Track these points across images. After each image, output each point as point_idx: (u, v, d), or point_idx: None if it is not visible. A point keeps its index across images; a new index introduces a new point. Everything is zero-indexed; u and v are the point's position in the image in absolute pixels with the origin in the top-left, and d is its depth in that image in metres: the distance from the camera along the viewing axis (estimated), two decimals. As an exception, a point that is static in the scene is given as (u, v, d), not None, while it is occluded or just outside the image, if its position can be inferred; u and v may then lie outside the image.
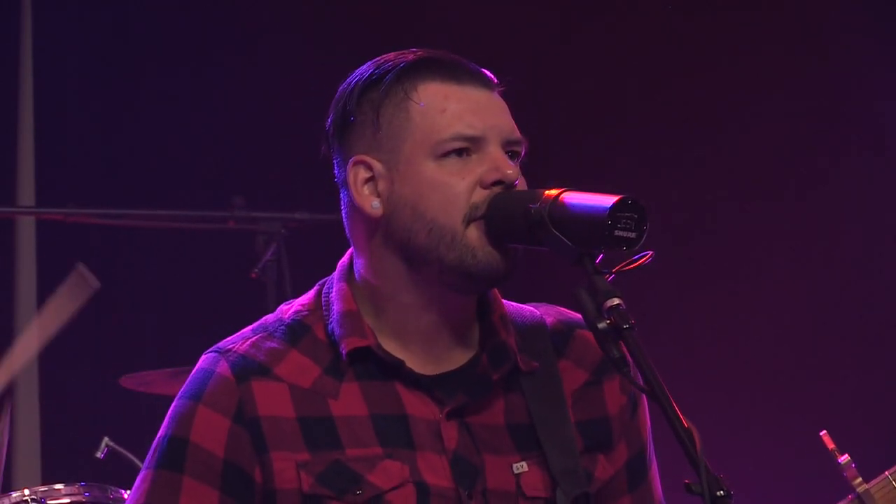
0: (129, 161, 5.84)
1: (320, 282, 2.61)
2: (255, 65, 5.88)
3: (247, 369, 2.50)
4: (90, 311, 5.80)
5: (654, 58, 5.68)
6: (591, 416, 2.58)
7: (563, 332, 2.61)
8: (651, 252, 2.33)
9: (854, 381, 5.41)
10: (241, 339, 2.55)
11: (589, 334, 2.38)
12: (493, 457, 2.51)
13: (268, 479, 2.47)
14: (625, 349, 2.29)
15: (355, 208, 2.51)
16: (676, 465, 2.53)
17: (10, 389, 4.60)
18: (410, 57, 2.51)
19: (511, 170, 2.46)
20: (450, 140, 2.45)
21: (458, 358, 2.54)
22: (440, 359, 2.53)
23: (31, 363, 4.83)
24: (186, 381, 2.54)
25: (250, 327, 2.58)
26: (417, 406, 2.50)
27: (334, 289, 2.55)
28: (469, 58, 2.54)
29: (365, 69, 2.53)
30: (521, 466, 2.51)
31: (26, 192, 5.79)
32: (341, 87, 2.54)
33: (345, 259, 2.59)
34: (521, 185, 2.48)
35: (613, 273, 2.33)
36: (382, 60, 2.52)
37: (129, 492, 4.12)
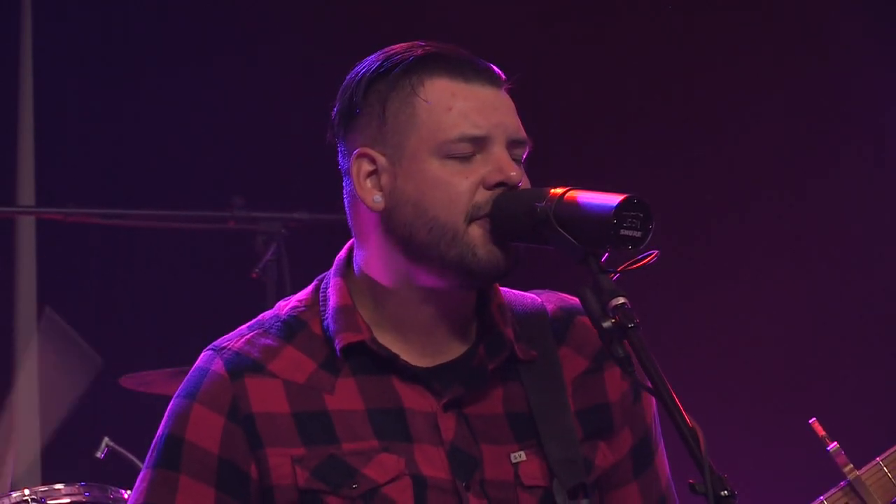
0: (129, 161, 5.84)
1: (319, 277, 2.61)
2: (255, 65, 5.88)
3: (241, 366, 2.50)
4: (90, 311, 5.82)
5: (654, 58, 5.68)
6: (591, 404, 2.58)
7: (564, 320, 2.60)
8: (656, 251, 2.33)
9: (854, 380, 5.41)
10: (236, 337, 2.56)
11: (589, 320, 2.37)
12: (491, 447, 2.51)
13: (264, 474, 2.47)
14: (629, 348, 2.29)
15: (358, 199, 2.51)
16: (681, 464, 2.53)
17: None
18: (419, 51, 2.50)
19: (515, 171, 2.46)
20: (455, 141, 2.45)
21: (456, 349, 2.54)
22: (439, 351, 2.53)
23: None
24: (184, 380, 2.55)
25: (247, 324, 2.59)
26: (414, 399, 2.50)
27: (330, 284, 2.56)
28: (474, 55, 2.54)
29: (372, 60, 2.52)
30: (520, 456, 2.51)
31: (26, 192, 5.79)
32: (348, 77, 2.53)
33: (342, 253, 2.59)
34: (525, 186, 2.48)
35: (618, 272, 2.34)
36: (392, 52, 2.52)
37: (129, 492, 4.14)
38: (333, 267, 2.58)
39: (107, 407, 5.55)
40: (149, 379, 4.79)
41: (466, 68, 2.49)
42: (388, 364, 2.50)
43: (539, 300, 2.63)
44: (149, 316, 5.84)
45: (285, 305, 2.59)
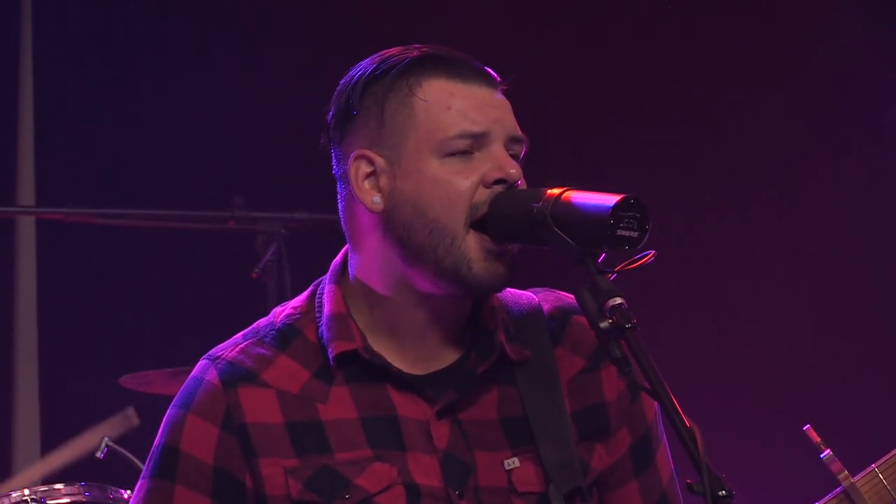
0: (130, 161, 5.84)
1: (315, 282, 2.61)
2: (255, 65, 5.88)
3: (234, 376, 2.51)
4: (90, 310, 5.82)
5: (654, 58, 5.68)
6: (587, 404, 2.57)
7: (560, 319, 2.60)
8: (653, 251, 2.33)
9: (854, 380, 5.41)
10: (231, 346, 2.56)
11: (586, 320, 2.37)
12: (485, 453, 2.51)
13: (258, 484, 2.48)
14: (626, 348, 2.29)
15: (354, 202, 2.51)
16: (679, 464, 2.53)
17: None
18: (415, 53, 2.50)
19: (514, 169, 2.46)
20: (455, 138, 2.45)
21: (451, 355, 2.54)
22: (433, 356, 2.53)
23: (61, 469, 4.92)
24: (180, 389, 2.56)
25: (242, 332, 2.59)
26: (408, 406, 2.50)
27: (325, 290, 2.55)
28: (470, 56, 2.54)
29: (368, 63, 2.52)
30: (513, 462, 2.51)
31: (26, 192, 5.79)
32: (343, 81, 2.53)
33: (338, 259, 2.59)
34: (522, 185, 2.48)
35: (615, 272, 2.33)
36: (387, 55, 2.52)
37: (129, 492, 4.15)
38: (329, 273, 2.58)
39: (107, 407, 5.55)
40: (149, 379, 4.79)
41: (463, 68, 2.49)
42: (382, 372, 2.50)
43: (536, 299, 2.62)
44: (149, 316, 5.84)
45: (281, 312, 2.58)
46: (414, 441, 2.48)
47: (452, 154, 2.45)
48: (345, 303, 2.53)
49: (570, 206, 2.36)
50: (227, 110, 5.83)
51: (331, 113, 2.54)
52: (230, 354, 2.53)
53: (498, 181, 2.45)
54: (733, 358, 5.53)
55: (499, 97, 2.50)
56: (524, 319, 2.58)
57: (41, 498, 4.11)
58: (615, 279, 2.32)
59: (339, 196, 2.55)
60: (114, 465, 4.67)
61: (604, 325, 2.28)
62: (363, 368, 2.50)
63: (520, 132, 2.50)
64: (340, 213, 2.56)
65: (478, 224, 2.44)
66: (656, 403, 2.57)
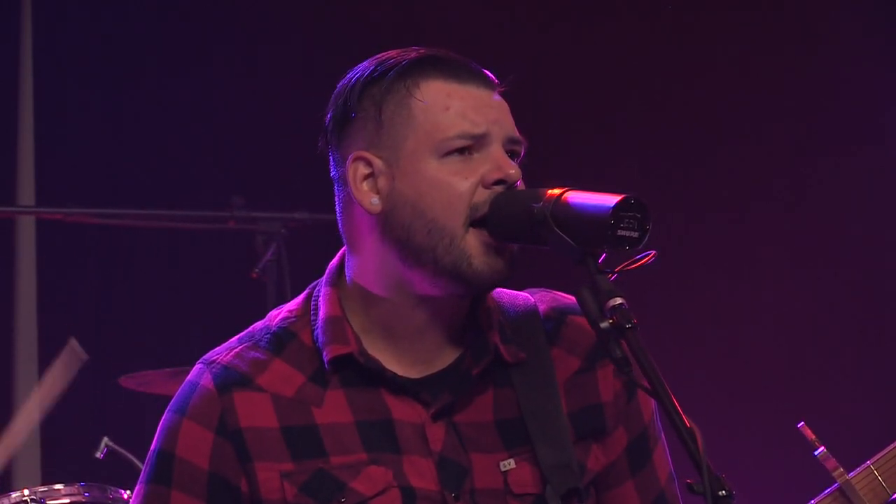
0: (130, 161, 5.84)
1: (311, 285, 2.60)
2: (255, 65, 5.88)
3: (229, 380, 2.50)
4: (90, 311, 5.82)
5: (654, 58, 5.68)
6: (584, 404, 2.56)
7: (556, 319, 2.59)
8: (654, 252, 2.33)
9: (854, 380, 5.41)
10: (226, 350, 2.55)
11: (582, 320, 2.37)
12: (481, 455, 2.50)
13: (253, 489, 2.48)
14: (627, 348, 2.29)
15: (352, 204, 2.50)
16: (679, 464, 2.53)
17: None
18: (413, 55, 2.49)
19: (513, 169, 2.45)
20: (454, 138, 2.44)
21: (447, 357, 2.53)
22: (430, 359, 2.52)
23: (31, 435, 4.87)
24: (176, 394, 2.56)
25: (238, 336, 2.58)
26: (403, 410, 2.50)
27: (321, 293, 2.55)
28: (469, 58, 2.53)
29: (366, 66, 2.51)
30: (509, 464, 2.50)
31: (26, 192, 5.80)
32: (341, 83, 2.53)
33: (334, 261, 2.58)
34: (522, 185, 2.48)
35: (616, 273, 2.33)
36: (385, 57, 2.51)
37: (128, 492, 4.15)
38: (325, 275, 2.57)
39: (106, 407, 5.55)
40: (149, 379, 4.79)
41: (461, 70, 2.49)
42: (377, 375, 2.50)
43: (532, 300, 2.61)
44: (149, 316, 5.84)
45: (276, 315, 2.58)
46: (409, 444, 2.48)
47: (451, 153, 2.44)
48: (340, 306, 2.52)
49: (570, 206, 2.35)
50: (227, 110, 5.83)
51: (329, 116, 2.53)
52: (225, 359, 2.53)
53: (497, 182, 2.44)
54: (733, 358, 5.53)
55: (496, 98, 2.50)
56: (520, 320, 2.58)
57: (41, 498, 4.11)
58: (616, 279, 2.32)
59: (336, 198, 2.54)
60: (114, 465, 4.68)
61: (604, 325, 2.28)
62: (358, 372, 2.50)
63: (518, 133, 2.50)
64: (338, 215, 2.55)
65: (477, 223, 2.44)
66: (653, 402, 2.59)
